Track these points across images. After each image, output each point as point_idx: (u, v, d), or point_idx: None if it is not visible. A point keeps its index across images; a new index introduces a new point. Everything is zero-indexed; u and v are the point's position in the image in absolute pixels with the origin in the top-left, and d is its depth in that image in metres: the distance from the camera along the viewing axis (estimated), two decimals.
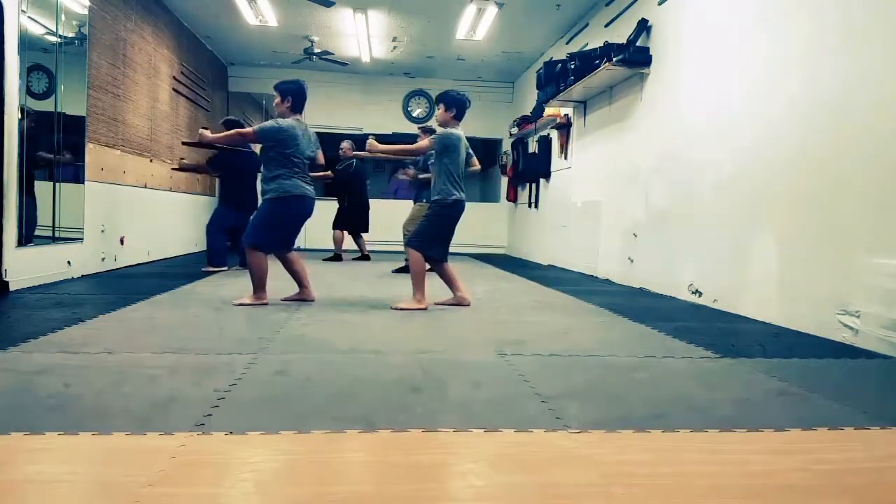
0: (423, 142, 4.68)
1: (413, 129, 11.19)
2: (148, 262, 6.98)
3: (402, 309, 4.11)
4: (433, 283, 4.52)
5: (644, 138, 5.87)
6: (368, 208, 8.23)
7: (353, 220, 8.17)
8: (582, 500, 1.48)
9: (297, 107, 4.34)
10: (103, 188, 5.90)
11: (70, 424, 1.83)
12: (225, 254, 6.41)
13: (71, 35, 5.32)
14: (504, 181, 10.96)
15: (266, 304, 4.15)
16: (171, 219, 7.83)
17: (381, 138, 7.67)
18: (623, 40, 5.99)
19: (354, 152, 7.86)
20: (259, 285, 4.19)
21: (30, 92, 4.73)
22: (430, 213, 4.44)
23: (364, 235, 8.43)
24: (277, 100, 4.31)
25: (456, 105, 4.61)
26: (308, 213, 4.30)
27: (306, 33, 8.63)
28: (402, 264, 6.85)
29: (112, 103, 6.19)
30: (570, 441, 1.83)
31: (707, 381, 2.57)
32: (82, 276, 5.44)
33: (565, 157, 7.99)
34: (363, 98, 10.98)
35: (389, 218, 8.98)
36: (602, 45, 6.26)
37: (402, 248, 7.32)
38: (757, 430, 1.96)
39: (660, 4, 5.63)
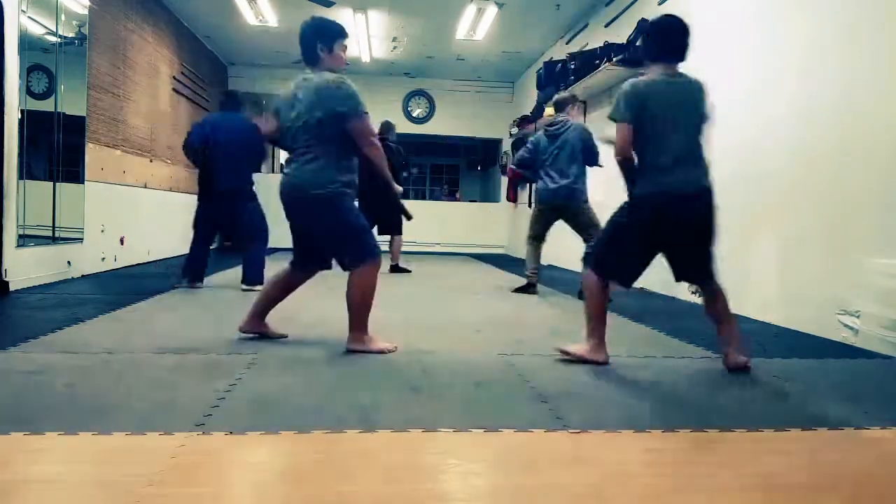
0: None
1: (414, 129, 11.22)
2: (148, 262, 6.98)
3: (575, 356, 2.78)
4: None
5: None
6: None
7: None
8: (582, 500, 1.48)
9: (304, 55, 2.98)
10: (103, 188, 5.90)
11: (70, 424, 1.83)
12: None
13: (71, 35, 5.31)
14: (504, 181, 10.96)
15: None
16: (171, 219, 7.82)
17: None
18: (623, 40, 5.98)
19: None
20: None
21: (30, 92, 4.73)
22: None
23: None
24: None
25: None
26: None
27: None
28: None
29: (112, 103, 6.18)
30: (570, 441, 1.83)
31: (707, 381, 2.57)
32: (82, 276, 5.43)
33: None
34: (363, 98, 10.96)
35: None
36: (602, 45, 6.26)
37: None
38: (757, 430, 1.97)
39: (660, 4, 5.62)
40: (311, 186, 2.83)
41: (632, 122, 2.69)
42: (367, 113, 2.89)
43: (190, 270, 4.96)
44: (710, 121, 2.74)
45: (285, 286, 3.11)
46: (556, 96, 5.36)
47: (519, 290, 5.20)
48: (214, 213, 4.91)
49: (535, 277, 5.16)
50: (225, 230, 5.14)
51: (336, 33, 2.95)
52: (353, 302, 2.92)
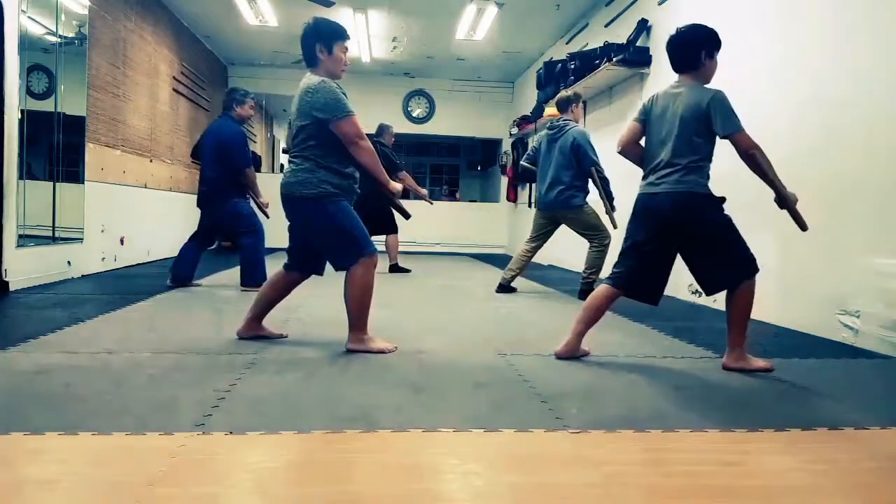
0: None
1: (414, 129, 11.21)
2: (148, 262, 6.98)
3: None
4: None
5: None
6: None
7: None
8: (582, 500, 1.48)
9: (304, 56, 2.98)
10: (103, 188, 5.90)
11: (70, 424, 1.83)
12: None
13: (71, 35, 5.32)
14: (504, 181, 10.97)
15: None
16: (171, 219, 7.83)
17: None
18: (623, 40, 5.99)
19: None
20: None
21: (30, 92, 4.73)
22: (724, 218, 2.79)
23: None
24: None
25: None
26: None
27: None
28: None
29: (112, 103, 6.19)
30: (570, 441, 1.83)
31: (707, 381, 2.57)
32: (82, 276, 5.43)
33: None
34: (363, 98, 10.89)
35: None
36: (602, 45, 6.26)
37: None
38: (757, 430, 1.97)
39: (660, 4, 5.62)
40: (301, 187, 2.84)
41: (638, 122, 2.89)
42: (349, 113, 2.82)
43: (171, 270, 5.03)
44: (709, 129, 2.71)
45: (281, 289, 3.11)
46: (558, 95, 5.32)
47: (498, 290, 5.21)
48: (201, 217, 5.06)
49: (507, 275, 5.18)
50: (211, 233, 5.21)
51: (335, 34, 2.92)
52: (350, 302, 2.93)
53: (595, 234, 4.89)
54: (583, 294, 4.80)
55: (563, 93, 5.28)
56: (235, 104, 4.92)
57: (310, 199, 2.84)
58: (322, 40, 2.89)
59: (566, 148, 4.90)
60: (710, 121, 2.67)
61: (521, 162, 5.56)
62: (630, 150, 2.94)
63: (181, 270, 4.99)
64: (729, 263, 2.71)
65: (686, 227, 2.71)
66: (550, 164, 4.97)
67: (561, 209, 4.94)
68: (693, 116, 2.68)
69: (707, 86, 2.79)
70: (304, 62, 2.97)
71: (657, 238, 2.74)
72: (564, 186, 4.89)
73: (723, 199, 2.78)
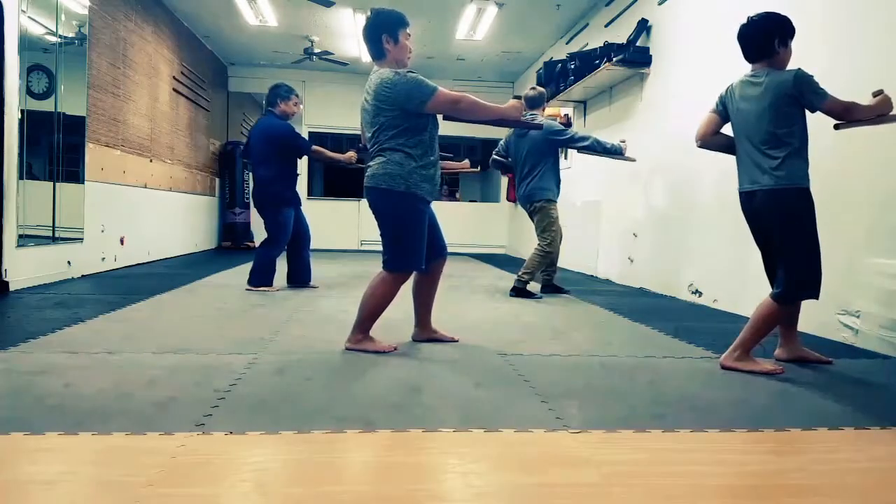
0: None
1: None
2: (148, 262, 6.98)
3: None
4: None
5: (644, 138, 5.87)
6: None
7: None
8: (582, 500, 1.48)
9: (371, 51, 2.97)
10: (103, 188, 5.90)
11: (70, 424, 1.83)
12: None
13: (71, 35, 5.32)
14: (504, 181, 10.96)
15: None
16: (171, 219, 7.83)
17: None
18: (623, 40, 5.99)
19: None
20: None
21: (30, 92, 4.73)
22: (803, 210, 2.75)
23: None
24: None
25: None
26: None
27: (306, 33, 8.63)
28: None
29: (112, 103, 6.19)
30: (570, 441, 1.83)
31: (707, 381, 2.57)
32: (82, 276, 5.43)
33: (565, 157, 7.99)
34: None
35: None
36: (602, 45, 6.26)
37: None
38: (757, 430, 1.97)
39: (660, 4, 5.62)
40: (390, 180, 2.81)
41: (716, 113, 2.99)
42: (433, 90, 2.78)
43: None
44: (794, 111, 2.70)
45: (423, 286, 3.11)
46: (527, 92, 5.26)
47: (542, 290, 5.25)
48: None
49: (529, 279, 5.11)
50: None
51: (399, 22, 2.90)
52: (364, 304, 2.94)
53: (544, 235, 4.98)
54: (514, 291, 4.93)
55: (532, 91, 5.21)
56: (280, 100, 4.91)
57: (395, 191, 2.82)
58: (388, 30, 2.87)
59: (537, 141, 4.99)
60: (800, 100, 2.68)
61: (493, 155, 5.66)
62: (710, 142, 2.98)
63: (294, 276, 5.08)
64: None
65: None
66: (520, 160, 5.11)
67: (525, 203, 5.11)
68: (777, 101, 2.69)
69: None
70: (371, 56, 2.95)
71: None
72: (529, 180, 5.06)
73: None
